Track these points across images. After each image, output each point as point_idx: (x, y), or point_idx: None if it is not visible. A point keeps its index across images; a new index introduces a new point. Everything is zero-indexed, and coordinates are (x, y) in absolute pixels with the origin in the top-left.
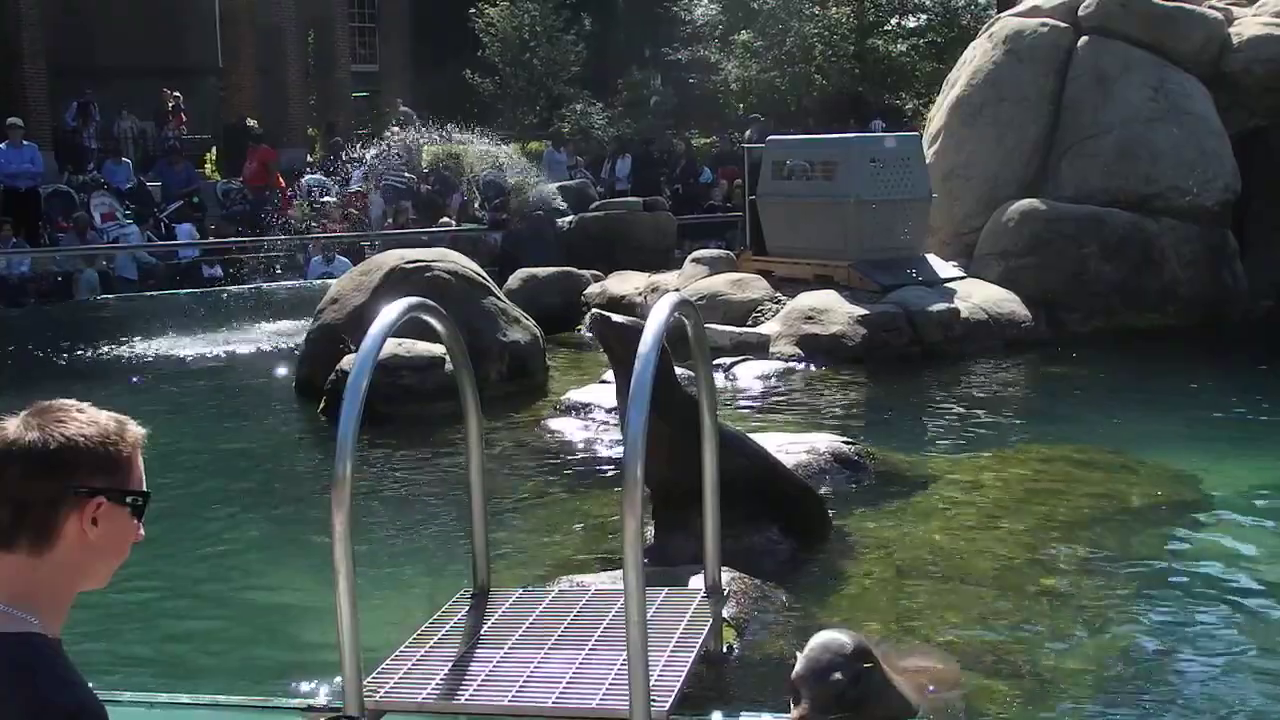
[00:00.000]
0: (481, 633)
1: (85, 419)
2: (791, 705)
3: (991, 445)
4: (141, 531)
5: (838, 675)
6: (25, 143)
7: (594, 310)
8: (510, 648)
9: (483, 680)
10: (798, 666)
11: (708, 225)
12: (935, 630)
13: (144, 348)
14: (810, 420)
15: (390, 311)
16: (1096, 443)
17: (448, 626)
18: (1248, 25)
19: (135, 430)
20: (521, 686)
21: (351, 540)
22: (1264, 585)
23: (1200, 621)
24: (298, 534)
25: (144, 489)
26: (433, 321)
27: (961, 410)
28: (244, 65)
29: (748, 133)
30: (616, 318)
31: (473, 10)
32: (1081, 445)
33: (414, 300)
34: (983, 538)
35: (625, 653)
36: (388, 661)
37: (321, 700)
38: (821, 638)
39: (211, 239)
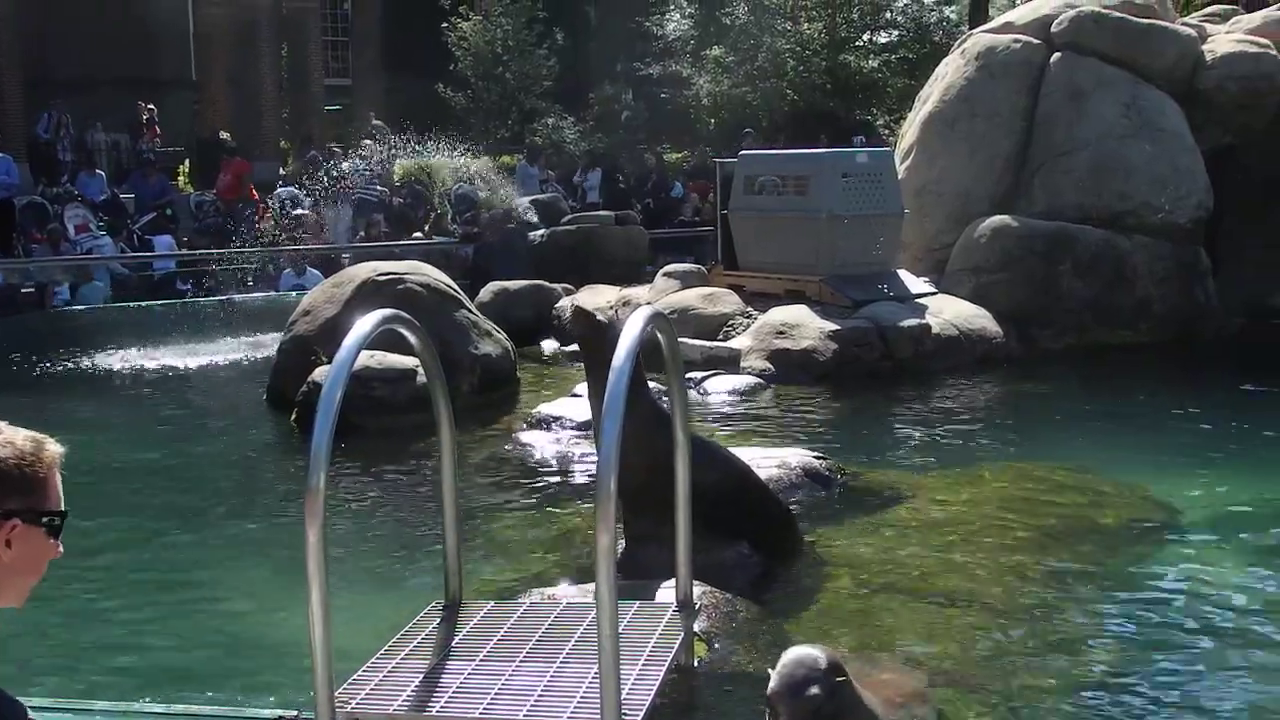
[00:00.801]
0: (453, 645)
1: (1, 440)
2: None
3: (962, 462)
4: (60, 549)
5: (814, 690)
6: (0, 154)
7: (576, 305)
8: (482, 660)
9: (454, 692)
10: (773, 683)
11: (679, 239)
12: (905, 646)
13: (116, 359)
14: (781, 435)
15: (364, 323)
16: (1067, 460)
17: (419, 638)
18: (1221, 43)
19: (53, 449)
20: (493, 699)
21: (325, 551)
22: (1234, 605)
23: (1169, 640)
24: (270, 545)
25: (61, 508)
26: (406, 333)
27: (932, 426)
28: (217, 78)
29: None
30: (600, 316)
31: (445, 24)
32: (1052, 462)
33: (388, 312)
34: (953, 554)
35: (596, 666)
36: (359, 672)
37: (293, 710)
38: (795, 653)
39: (184, 251)
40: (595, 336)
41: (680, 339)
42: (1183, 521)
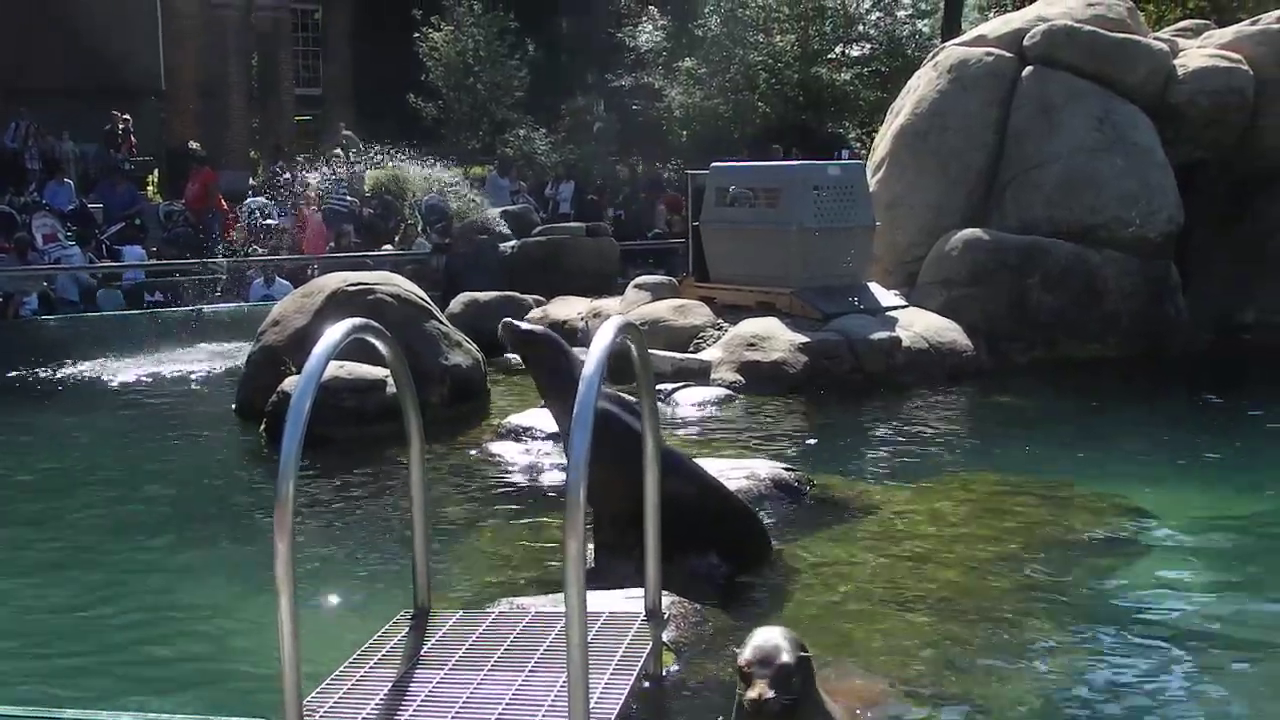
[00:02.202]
0: (421, 654)
1: None
2: (744, 689)
3: (932, 474)
4: None
5: (786, 657)
6: None
7: (504, 320)
8: (450, 669)
9: (421, 701)
10: (746, 653)
11: (650, 251)
12: (873, 655)
13: (83, 369)
14: (751, 446)
15: (334, 333)
16: (1036, 473)
17: (388, 647)
18: (1193, 57)
19: None
20: (460, 708)
21: (294, 561)
22: (1201, 616)
23: (1136, 652)
24: (238, 554)
25: None
26: (377, 343)
27: (902, 438)
28: (186, 88)
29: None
30: (523, 325)
31: (417, 35)
32: (1021, 475)
33: (358, 321)
34: (922, 565)
35: (565, 675)
36: (327, 681)
37: (261, 719)
38: (764, 631)
39: (153, 261)
40: (527, 345)
41: (651, 350)
42: (1151, 534)
